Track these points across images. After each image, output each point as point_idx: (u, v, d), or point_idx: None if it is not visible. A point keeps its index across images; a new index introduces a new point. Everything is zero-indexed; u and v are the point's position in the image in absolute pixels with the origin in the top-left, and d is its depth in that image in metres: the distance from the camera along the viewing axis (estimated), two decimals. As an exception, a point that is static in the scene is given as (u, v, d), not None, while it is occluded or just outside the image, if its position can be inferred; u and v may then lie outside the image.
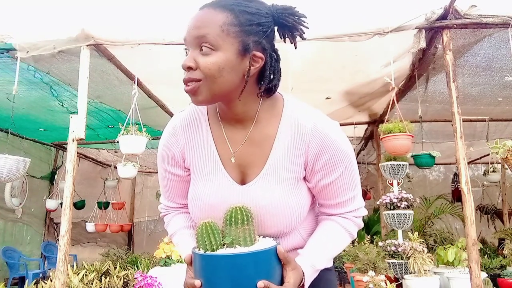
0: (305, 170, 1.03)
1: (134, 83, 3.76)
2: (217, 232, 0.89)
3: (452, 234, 6.53)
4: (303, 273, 0.95)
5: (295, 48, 1.02)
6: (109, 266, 5.06)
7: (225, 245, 0.89)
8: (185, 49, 0.96)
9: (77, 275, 4.34)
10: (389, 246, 4.16)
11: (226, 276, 0.85)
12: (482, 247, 5.94)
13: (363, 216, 1.12)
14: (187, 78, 0.93)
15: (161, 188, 1.20)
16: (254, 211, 0.97)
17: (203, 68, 0.91)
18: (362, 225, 1.12)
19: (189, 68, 0.92)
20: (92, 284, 4.32)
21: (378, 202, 4.64)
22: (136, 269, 5.09)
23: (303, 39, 1.00)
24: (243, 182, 1.05)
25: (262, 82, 0.98)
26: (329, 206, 1.08)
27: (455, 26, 3.20)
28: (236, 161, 1.04)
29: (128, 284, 4.66)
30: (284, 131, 1.01)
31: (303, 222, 1.09)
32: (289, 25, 0.97)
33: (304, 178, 1.06)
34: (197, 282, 0.88)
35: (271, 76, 0.98)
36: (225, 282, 0.85)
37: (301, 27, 0.98)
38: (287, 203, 1.01)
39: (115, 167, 6.34)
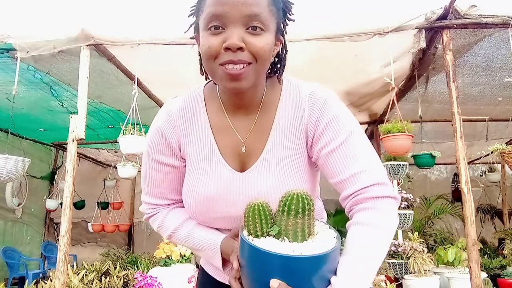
0: (306, 145, 0.97)
1: (134, 83, 3.76)
2: (265, 218, 0.81)
3: (452, 234, 6.53)
4: None
5: (286, 33, 0.99)
6: (109, 266, 5.06)
7: (271, 233, 0.81)
8: (216, 26, 0.84)
9: (77, 275, 4.34)
10: (389, 246, 4.16)
11: (266, 271, 0.77)
12: (482, 247, 5.94)
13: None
14: (237, 60, 0.82)
15: (148, 184, 1.08)
16: (254, 198, 0.92)
17: (258, 49, 0.83)
18: (395, 214, 0.91)
19: (239, 49, 0.82)
20: (92, 284, 4.33)
21: (378, 202, 4.63)
22: (136, 269, 5.10)
23: (293, 21, 0.99)
24: (242, 170, 0.99)
25: (279, 65, 0.98)
26: (341, 186, 0.93)
27: (455, 26, 3.20)
28: (241, 150, 0.98)
29: (128, 284, 4.66)
30: (283, 108, 0.97)
31: None
32: (287, 10, 0.96)
33: (308, 159, 0.98)
34: (235, 264, 0.86)
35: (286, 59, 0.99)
36: (263, 275, 0.78)
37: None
38: (288, 189, 0.93)
39: (115, 167, 6.34)
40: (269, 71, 1.00)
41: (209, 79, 1.00)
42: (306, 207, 0.78)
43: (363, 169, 0.90)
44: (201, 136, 1.00)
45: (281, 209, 0.80)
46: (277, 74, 0.99)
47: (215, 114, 1.00)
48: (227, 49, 0.82)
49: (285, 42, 0.97)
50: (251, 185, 0.96)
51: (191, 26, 0.98)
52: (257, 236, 0.81)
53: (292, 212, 0.78)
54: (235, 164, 0.99)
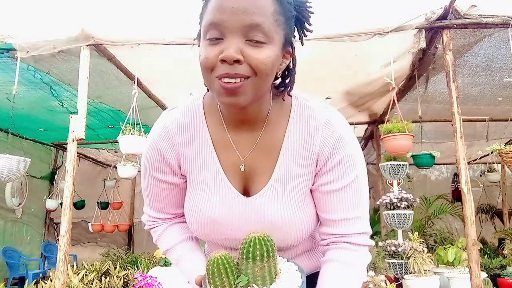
0: (314, 171, 0.92)
1: (134, 83, 3.76)
2: (231, 270, 0.76)
3: (452, 234, 6.53)
4: None
5: (302, 45, 0.93)
6: (109, 266, 5.07)
7: (239, 285, 0.77)
8: (214, 35, 0.77)
9: (77, 275, 4.35)
10: (389, 246, 4.16)
11: None
12: (482, 247, 5.94)
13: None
14: (234, 74, 0.75)
15: (147, 197, 1.02)
16: (260, 225, 0.89)
17: (258, 63, 0.75)
18: (370, 257, 0.96)
19: (236, 62, 0.75)
20: (92, 284, 4.33)
21: (378, 202, 4.64)
22: (136, 269, 5.10)
23: (310, 31, 0.92)
24: (246, 192, 0.93)
25: (288, 80, 0.90)
26: (330, 223, 0.92)
27: (455, 26, 3.20)
28: (240, 169, 0.92)
29: (128, 284, 4.67)
30: (293, 130, 0.90)
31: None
32: (304, 19, 0.88)
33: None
34: None
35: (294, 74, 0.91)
36: None
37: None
38: (298, 217, 0.91)
39: (115, 167, 6.34)
40: (277, 85, 0.93)
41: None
42: (270, 249, 0.75)
43: (357, 216, 0.91)
44: (202, 153, 0.93)
45: (245, 256, 0.75)
46: (285, 90, 0.91)
47: (216, 129, 0.92)
48: (223, 61, 0.75)
49: (295, 55, 0.89)
50: (257, 212, 0.91)
51: (198, 34, 0.90)
52: None
53: (258, 258, 0.74)
54: (238, 183, 0.93)
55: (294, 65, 0.91)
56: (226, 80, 0.75)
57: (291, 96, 0.93)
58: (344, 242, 0.92)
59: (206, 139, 0.93)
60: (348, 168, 0.89)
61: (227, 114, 0.90)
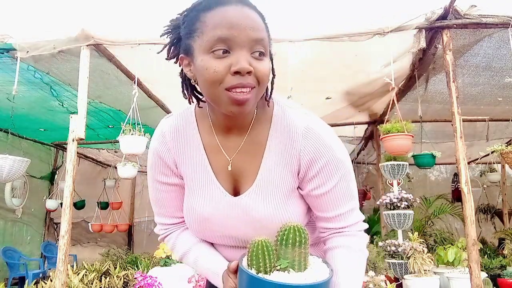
0: (298, 177, 0.97)
1: (134, 83, 3.76)
2: (272, 253, 0.81)
3: (452, 234, 6.53)
4: None
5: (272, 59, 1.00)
6: (109, 266, 5.07)
7: (278, 267, 0.82)
8: (223, 50, 0.82)
9: (77, 275, 4.35)
10: (389, 246, 4.16)
11: None
12: (482, 247, 5.94)
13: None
14: (247, 83, 0.81)
15: (157, 206, 1.09)
16: (248, 223, 0.97)
17: (263, 74, 0.84)
18: (368, 238, 1.04)
19: (247, 73, 0.81)
20: (92, 284, 4.33)
21: (378, 202, 4.64)
22: (136, 269, 5.10)
23: None
24: (235, 192, 1.00)
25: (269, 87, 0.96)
26: (327, 220, 0.99)
27: (455, 26, 3.20)
28: (230, 170, 0.99)
29: (128, 284, 4.67)
30: (275, 136, 0.96)
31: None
32: None
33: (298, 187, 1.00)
34: None
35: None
36: None
37: None
38: (281, 216, 0.96)
39: (115, 167, 6.34)
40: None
41: (192, 103, 0.99)
42: (306, 237, 0.82)
43: (350, 209, 0.98)
44: (195, 156, 1.01)
45: (283, 242, 0.81)
46: (266, 97, 0.97)
47: (207, 134, 1.00)
48: (237, 73, 0.80)
49: (273, 66, 0.95)
50: (243, 211, 0.97)
51: (172, 45, 0.96)
52: (266, 272, 0.81)
53: (297, 243, 0.80)
54: (228, 184, 1.00)
55: (273, 75, 0.96)
56: (238, 90, 0.81)
57: (273, 102, 0.99)
58: (342, 232, 0.99)
59: (198, 144, 1.00)
60: (332, 171, 0.94)
61: (217, 120, 0.97)
